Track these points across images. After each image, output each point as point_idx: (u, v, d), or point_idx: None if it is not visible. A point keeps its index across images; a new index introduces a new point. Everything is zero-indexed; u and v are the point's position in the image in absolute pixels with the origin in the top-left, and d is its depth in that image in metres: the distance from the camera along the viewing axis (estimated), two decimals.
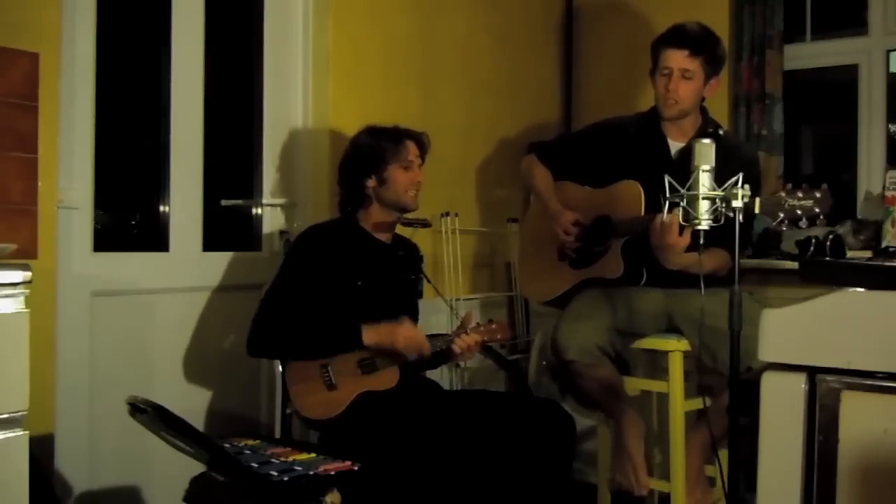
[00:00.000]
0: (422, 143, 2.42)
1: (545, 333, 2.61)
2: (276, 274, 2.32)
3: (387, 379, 2.26)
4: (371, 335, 2.21)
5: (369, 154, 2.36)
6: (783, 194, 1.86)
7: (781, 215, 1.85)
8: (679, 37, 2.47)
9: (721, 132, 2.56)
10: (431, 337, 2.36)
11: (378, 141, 2.37)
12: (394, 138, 2.37)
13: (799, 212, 1.84)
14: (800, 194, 1.85)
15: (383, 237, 2.44)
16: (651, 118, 2.61)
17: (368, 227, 2.41)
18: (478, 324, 2.35)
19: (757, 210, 1.85)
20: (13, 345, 1.48)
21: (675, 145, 2.56)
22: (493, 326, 2.35)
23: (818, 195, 1.84)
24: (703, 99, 2.56)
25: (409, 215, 2.46)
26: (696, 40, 2.46)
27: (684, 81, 2.46)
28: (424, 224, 2.56)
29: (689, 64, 2.45)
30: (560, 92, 3.98)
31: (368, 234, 2.41)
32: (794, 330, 1.34)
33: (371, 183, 2.37)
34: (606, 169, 2.59)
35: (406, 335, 2.22)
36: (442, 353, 2.33)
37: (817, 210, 1.83)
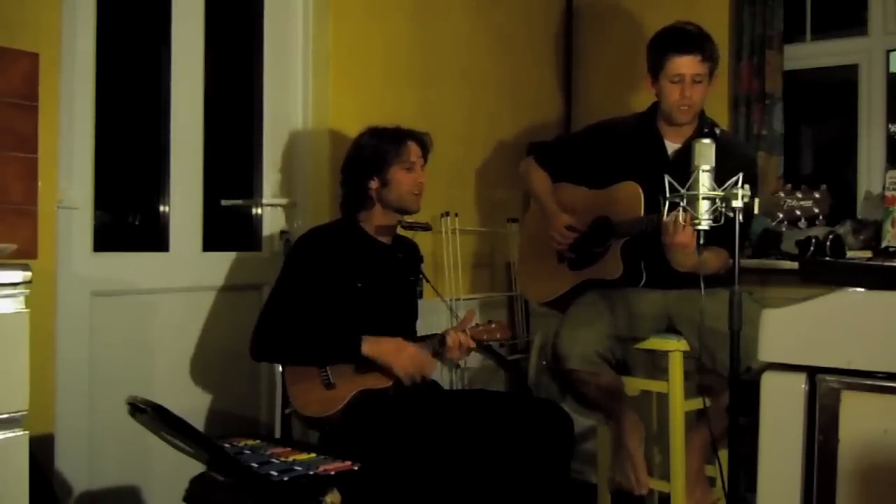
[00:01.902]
0: (424, 143, 2.42)
1: (545, 333, 2.61)
2: (277, 278, 2.32)
3: (384, 377, 2.25)
4: (371, 347, 2.21)
5: (372, 155, 2.36)
6: (782, 194, 1.86)
7: (781, 215, 1.86)
8: (687, 42, 2.44)
9: (718, 131, 2.55)
10: (428, 337, 2.36)
11: (380, 142, 2.37)
12: (396, 139, 2.37)
13: (798, 212, 1.84)
14: (799, 194, 1.85)
15: (383, 239, 2.44)
16: (648, 119, 2.61)
17: (369, 229, 2.41)
18: (477, 324, 2.35)
19: (756, 210, 1.85)
20: (13, 345, 1.48)
21: (671, 146, 2.56)
22: (493, 326, 2.35)
23: (817, 195, 1.84)
24: None
25: (410, 218, 2.46)
26: (703, 43, 2.45)
27: (697, 85, 2.45)
28: (425, 227, 2.56)
29: (701, 68, 2.44)
30: (560, 92, 3.98)
31: (368, 236, 2.41)
32: (794, 330, 1.34)
33: (373, 184, 2.37)
34: (604, 170, 2.59)
35: (407, 361, 2.22)
36: (436, 352, 2.33)
37: (816, 210, 1.83)
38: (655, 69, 2.51)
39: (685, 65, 2.44)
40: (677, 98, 2.47)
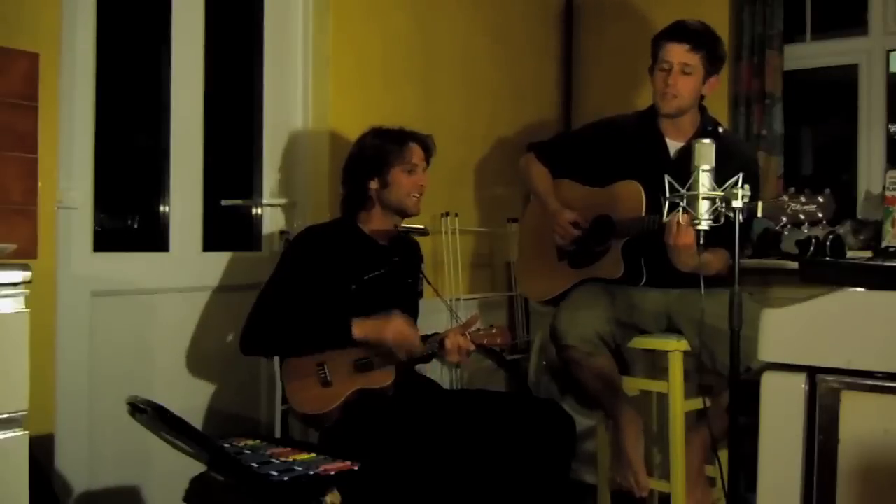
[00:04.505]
0: (427, 146, 2.41)
1: (545, 333, 2.61)
2: (270, 274, 2.32)
3: (382, 377, 2.25)
4: (361, 329, 2.20)
5: (373, 156, 2.36)
6: (786, 198, 1.86)
7: (784, 219, 1.85)
8: (680, 31, 2.47)
9: (720, 130, 2.55)
10: (429, 336, 2.36)
11: (383, 143, 2.36)
12: (398, 141, 2.37)
13: (802, 216, 1.84)
14: (803, 199, 1.84)
15: (382, 240, 2.43)
16: (649, 117, 2.60)
17: (367, 230, 2.41)
18: (478, 328, 2.35)
19: (759, 214, 1.85)
20: (13, 345, 1.48)
21: (673, 145, 2.55)
22: (494, 331, 2.35)
23: (821, 200, 1.83)
24: (701, 97, 2.55)
25: (408, 222, 2.46)
26: (698, 35, 2.46)
27: (684, 76, 2.45)
28: (422, 232, 2.56)
29: (690, 59, 2.44)
30: (560, 91, 3.98)
31: (366, 237, 2.41)
32: (794, 330, 1.34)
33: (374, 185, 2.36)
34: (605, 168, 2.59)
35: (395, 329, 2.20)
36: (434, 353, 2.33)
37: (820, 215, 1.83)
38: (652, 62, 2.52)
39: (673, 52, 2.45)
40: (661, 85, 2.47)
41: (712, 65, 2.48)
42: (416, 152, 2.37)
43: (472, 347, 2.29)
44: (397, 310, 2.25)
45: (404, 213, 2.40)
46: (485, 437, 2.16)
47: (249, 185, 2.90)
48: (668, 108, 2.50)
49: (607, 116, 2.75)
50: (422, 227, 2.57)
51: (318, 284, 2.26)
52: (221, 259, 2.72)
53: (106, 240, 2.44)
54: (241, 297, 2.61)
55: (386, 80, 3.06)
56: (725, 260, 2.33)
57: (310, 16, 2.92)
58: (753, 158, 2.72)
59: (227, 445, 1.99)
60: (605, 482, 2.68)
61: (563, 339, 2.45)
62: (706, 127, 2.53)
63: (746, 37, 3.44)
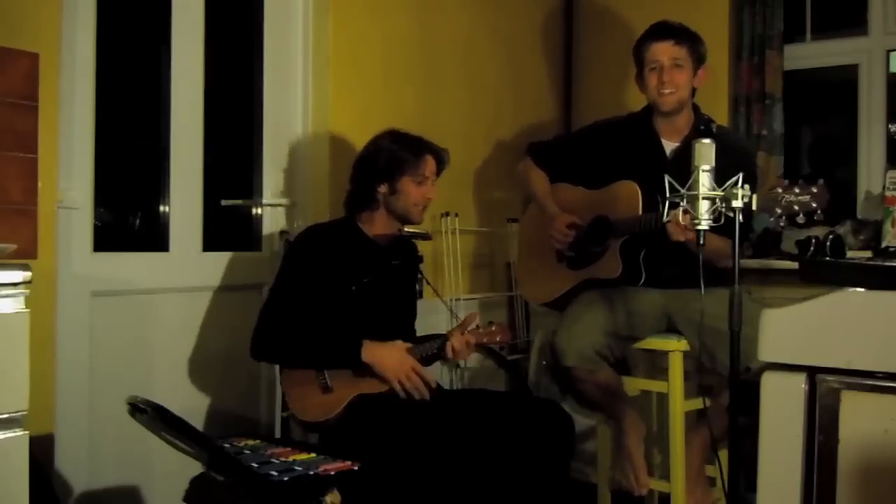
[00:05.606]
0: (441, 160, 2.41)
1: (545, 333, 2.61)
2: (276, 277, 2.32)
3: (382, 381, 2.25)
4: (370, 354, 2.21)
5: (387, 160, 2.34)
6: (780, 190, 1.86)
7: (779, 211, 1.85)
8: (662, 30, 2.51)
9: (714, 127, 2.55)
10: (428, 337, 2.36)
11: (399, 149, 2.34)
12: (415, 150, 2.35)
13: (796, 207, 1.84)
14: (796, 189, 1.84)
15: (382, 242, 2.43)
16: (644, 118, 2.61)
17: (368, 231, 2.41)
18: (477, 326, 2.35)
19: (754, 206, 1.85)
20: (13, 345, 1.48)
21: (668, 145, 2.56)
22: (493, 329, 2.35)
23: (815, 190, 1.83)
24: (693, 92, 2.56)
25: (410, 227, 2.46)
26: (679, 31, 2.51)
27: (677, 69, 2.48)
28: (425, 237, 2.55)
29: (678, 52, 2.48)
30: (560, 92, 3.98)
31: (367, 238, 2.41)
32: (794, 330, 1.34)
33: (382, 189, 2.35)
34: (602, 170, 2.60)
35: (403, 376, 2.21)
36: (435, 354, 2.33)
37: (814, 205, 1.83)
38: (639, 67, 2.55)
39: (659, 50, 2.49)
40: (656, 84, 2.49)
41: (697, 56, 2.52)
42: (429, 165, 2.36)
43: (473, 340, 2.30)
44: (409, 347, 2.28)
45: (407, 221, 2.40)
46: (484, 437, 2.16)
47: (249, 186, 2.90)
48: (668, 106, 2.51)
49: (602, 119, 2.76)
50: (425, 231, 2.56)
51: (321, 285, 2.26)
52: (221, 259, 2.72)
53: (106, 240, 2.44)
54: (241, 298, 2.61)
55: (386, 81, 3.06)
56: (721, 241, 2.31)
57: (310, 16, 2.92)
58: (750, 152, 2.73)
59: (227, 445, 2.00)
60: (605, 482, 2.68)
61: (563, 359, 2.45)
62: (700, 125, 2.53)
63: (746, 37, 3.44)
